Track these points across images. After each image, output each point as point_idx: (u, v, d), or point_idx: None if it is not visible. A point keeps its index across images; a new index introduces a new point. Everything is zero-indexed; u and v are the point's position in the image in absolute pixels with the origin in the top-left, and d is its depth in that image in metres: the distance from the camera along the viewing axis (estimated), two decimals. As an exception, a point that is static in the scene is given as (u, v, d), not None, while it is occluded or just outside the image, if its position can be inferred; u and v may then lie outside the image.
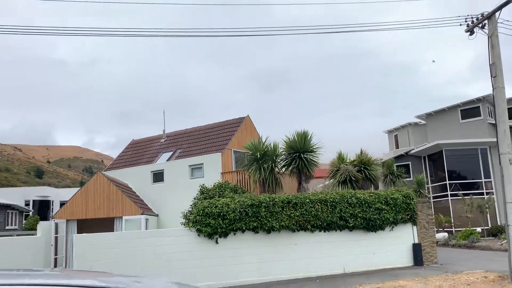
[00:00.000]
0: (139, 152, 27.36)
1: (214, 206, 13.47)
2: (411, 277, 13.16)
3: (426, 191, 29.65)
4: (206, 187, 16.23)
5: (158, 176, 23.89)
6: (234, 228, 13.59)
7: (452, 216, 27.22)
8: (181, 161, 23.28)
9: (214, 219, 13.34)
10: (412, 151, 31.19)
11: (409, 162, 31.53)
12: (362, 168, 18.84)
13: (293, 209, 14.20)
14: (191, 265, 13.18)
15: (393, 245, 15.44)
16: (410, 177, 29.45)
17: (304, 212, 14.29)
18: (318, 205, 14.50)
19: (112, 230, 19.19)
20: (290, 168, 16.89)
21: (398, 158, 32.31)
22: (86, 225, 19.51)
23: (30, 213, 39.84)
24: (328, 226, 14.61)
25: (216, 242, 13.53)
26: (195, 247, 13.36)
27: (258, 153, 16.77)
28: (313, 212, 14.35)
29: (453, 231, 26.14)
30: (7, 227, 30.63)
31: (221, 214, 13.40)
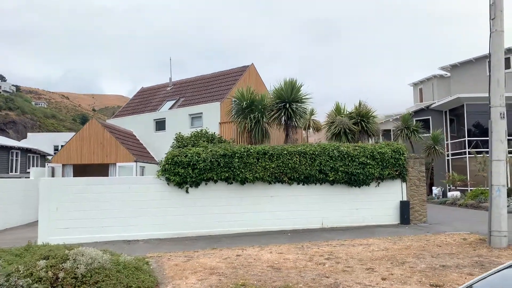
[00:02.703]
0: (146, 99, 27.27)
1: (184, 155, 13.08)
2: (387, 235, 12.52)
3: (445, 148, 28.13)
4: (182, 136, 15.84)
5: (160, 125, 23.80)
6: (205, 178, 13.23)
7: (468, 174, 25.73)
8: (182, 110, 22.97)
9: (183, 168, 13.00)
10: (433, 105, 29.33)
11: (430, 117, 29.76)
12: (359, 120, 17.78)
13: (269, 161, 13.62)
14: (160, 213, 13.04)
15: (379, 202, 14.71)
16: (429, 133, 27.86)
17: (281, 164, 13.69)
18: (296, 157, 13.84)
19: (107, 176, 19.40)
20: (277, 118, 16.11)
21: (418, 112, 30.59)
22: (82, 170, 19.82)
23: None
24: (306, 179, 14.00)
25: (187, 191, 13.26)
26: (165, 196, 13.16)
27: (245, 102, 16.07)
28: (290, 164, 13.73)
29: (468, 190, 24.77)
30: (28, 170, 31.87)
31: (191, 164, 13.02)
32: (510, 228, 10.86)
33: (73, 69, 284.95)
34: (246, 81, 22.90)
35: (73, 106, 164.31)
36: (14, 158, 31.89)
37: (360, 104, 18.35)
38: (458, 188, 24.81)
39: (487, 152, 25.34)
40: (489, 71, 11.51)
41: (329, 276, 7.87)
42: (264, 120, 16.11)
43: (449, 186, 25.57)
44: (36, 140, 43.60)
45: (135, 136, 23.96)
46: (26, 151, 33.52)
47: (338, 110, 18.74)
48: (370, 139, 18.16)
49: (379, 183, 14.67)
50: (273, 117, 15.98)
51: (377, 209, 14.66)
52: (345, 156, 14.17)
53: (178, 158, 13.01)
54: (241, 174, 13.33)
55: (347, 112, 18.63)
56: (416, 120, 29.55)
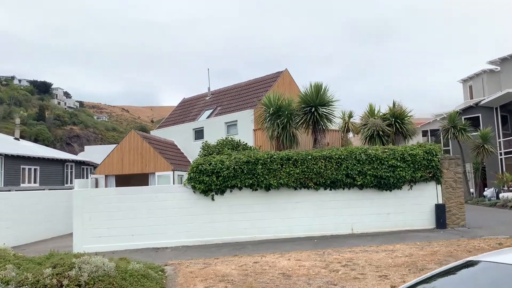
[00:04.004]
0: (186, 110, 28.00)
1: (208, 163, 13.29)
2: (417, 240, 12.00)
3: (497, 146, 26.52)
4: (208, 144, 16.09)
5: (199, 133, 24.33)
6: (229, 186, 13.35)
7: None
8: (218, 118, 23.36)
9: (208, 176, 13.20)
10: (482, 102, 27.72)
11: (479, 115, 28.18)
12: (393, 121, 17.19)
13: (293, 166, 13.51)
14: (186, 220, 13.31)
15: (412, 206, 14.14)
16: (478, 131, 26.37)
17: (306, 169, 13.53)
18: (322, 162, 13.62)
19: (147, 185, 20.10)
20: (304, 123, 15.95)
21: (467, 110, 29.07)
22: (123, 180, 20.66)
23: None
24: (332, 184, 13.73)
25: (212, 199, 13.44)
26: (191, 204, 13.42)
27: (271, 109, 16.07)
28: (315, 169, 13.54)
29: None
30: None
31: (215, 171, 13.20)
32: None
33: (132, 83, 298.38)
34: (280, 87, 22.90)
35: (132, 119, 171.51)
36: (69, 170, 33.90)
37: (394, 104, 17.76)
38: (511, 188, 23.23)
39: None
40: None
41: (337, 283, 7.69)
42: (291, 125, 16.02)
43: (502, 187, 24.01)
44: (92, 152, 45.98)
45: (176, 146, 24.66)
46: (80, 163, 35.53)
47: (371, 112, 18.25)
48: (406, 140, 17.49)
49: (411, 186, 14.10)
50: (300, 122, 15.85)
51: (410, 213, 14.09)
52: (374, 159, 13.76)
53: (202, 166, 13.25)
54: (265, 181, 13.33)
55: (381, 114, 18.10)
56: (464, 119, 28.13)
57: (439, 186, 14.19)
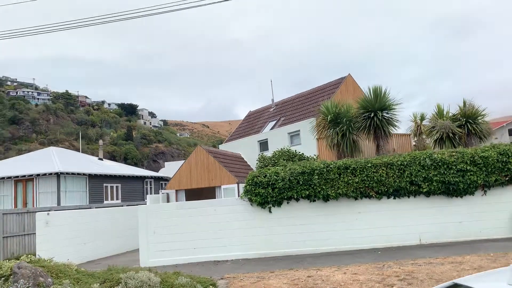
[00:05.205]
0: (252, 122, 28.31)
1: (263, 175, 13.24)
2: (491, 251, 10.91)
3: None
4: (264, 156, 16.01)
5: (263, 145, 24.43)
6: (286, 197, 13.16)
7: None
8: (281, 129, 23.31)
9: (263, 188, 13.14)
10: None
11: None
12: (464, 122, 15.91)
13: (352, 175, 13.00)
14: (244, 233, 13.33)
15: (487, 213, 12.93)
16: None
17: (365, 178, 12.95)
18: (383, 169, 12.96)
19: (214, 198, 20.54)
20: (364, 129, 15.31)
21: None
22: (193, 194, 21.31)
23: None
24: (396, 192, 12.99)
25: (270, 211, 13.34)
26: (249, 216, 13.43)
27: (329, 116, 15.67)
28: (376, 178, 12.91)
29: None
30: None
31: (270, 183, 13.10)
32: None
33: (212, 99, 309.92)
34: (343, 93, 22.33)
35: (212, 133, 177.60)
36: (148, 186, 35.77)
37: (464, 104, 16.43)
38: None
39: None
40: None
41: (387, 300, 7.21)
42: (351, 132, 15.48)
43: None
44: (172, 168, 48.10)
45: (243, 159, 24.99)
46: (158, 179, 37.32)
47: (439, 113, 17.06)
48: (482, 141, 16.08)
49: (485, 191, 12.91)
50: (360, 128, 15.25)
51: (485, 221, 12.88)
52: (440, 164, 12.81)
53: (258, 179, 13.23)
54: (322, 191, 12.96)
55: (451, 114, 16.84)
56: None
57: (518, 191, 12.82)
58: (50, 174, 26.73)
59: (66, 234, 15.22)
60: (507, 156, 12.73)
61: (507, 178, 12.74)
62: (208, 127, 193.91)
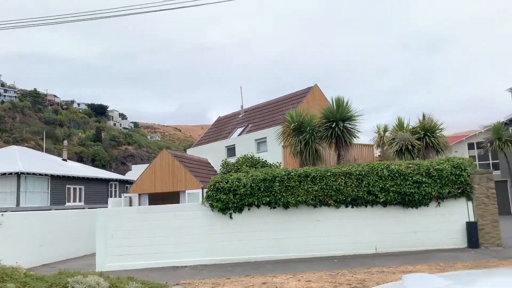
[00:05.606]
0: (221, 128, 28.36)
1: (225, 181, 13.29)
2: (441, 261, 11.29)
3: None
4: (227, 162, 16.11)
5: (231, 151, 24.49)
6: (247, 203, 13.25)
7: None
8: (249, 136, 23.45)
9: (225, 194, 13.18)
10: (532, 111, 25.93)
11: (530, 125, 26.31)
12: (423, 135, 16.44)
13: (312, 183, 13.21)
14: (205, 239, 13.31)
15: (441, 224, 13.36)
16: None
17: (325, 186, 13.19)
18: (342, 178, 13.23)
19: (179, 202, 20.41)
20: (326, 139, 15.59)
21: (516, 120, 27.25)
22: (156, 198, 21.11)
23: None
24: (354, 202, 13.28)
25: (230, 217, 13.38)
26: (209, 222, 13.42)
27: (293, 124, 15.90)
28: (334, 186, 13.16)
29: None
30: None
31: (232, 189, 13.17)
32: None
33: (185, 103, 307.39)
34: (310, 102, 22.66)
35: (184, 137, 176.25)
36: (113, 189, 35.22)
37: (424, 117, 16.99)
38: None
39: None
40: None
41: (334, 307, 7.36)
42: (314, 141, 15.73)
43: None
44: (139, 171, 47.51)
45: (210, 164, 24.96)
46: (124, 182, 36.80)
47: (400, 125, 17.57)
48: (439, 154, 16.62)
49: (439, 203, 13.35)
50: (322, 137, 15.53)
51: (438, 232, 13.31)
52: (397, 175, 13.19)
53: (219, 185, 13.27)
54: (282, 198, 13.12)
55: (411, 127, 17.37)
56: (512, 130, 26.40)
57: (470, 203, 13.33)
58: (10, 173, 25.98)
59: (22, 237, 14.81)
60: (460, 169, 13.22)
61: (459, 191, 13.22)
62: (180, 131, 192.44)
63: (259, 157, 16.43)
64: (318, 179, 13.20)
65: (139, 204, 21.10)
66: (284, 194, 13.11)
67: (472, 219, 13.26)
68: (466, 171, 13.20)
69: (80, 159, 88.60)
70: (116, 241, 13.27)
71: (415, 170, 13.21)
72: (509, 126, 26.97)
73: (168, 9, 14.75)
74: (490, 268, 9.41)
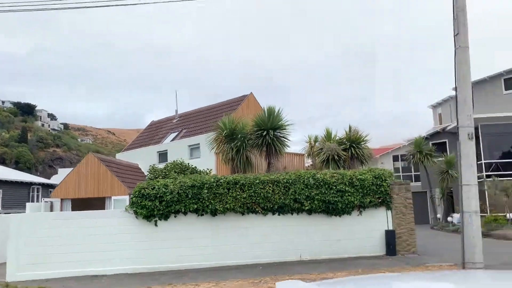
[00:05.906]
0: (153, 132, 27.76)
1: (152, 187, 12.95)
2: (360, 268, 11.72)
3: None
4: (155, 168, 15.79)
5: (163, 156, 24.03)
6: (173, 211, 12.99)
7: (487, 199, 23.98)
8: (182, 141, 23.15)
9: (150, 201, 12.83)
10: (448, 128, 27.93)
11: (446, 140, 28.34)
12: (349, 146, 17.13)
13: (240, 191, 13.23)
14: (128, 247, 12.85)
15: (362, 232, 13.88)
16: (443, 157, 26.44)
17: (253, 193, 13.26)
18: (270, 186, 13.38)
19: (104, 209, 19.59)
20: (257, 147, 15.78)
21: (434, 135, 29.31)
22: (80, 204, 20.13)
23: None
24: (280, 209, 13.47)
25: (155, 224, 13.04)
26: (134, 230, 12.99)
27: (225, 132, 15.91)
28: (262, 194, 13.28)
29: (487, 215, 23.02)
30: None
31: (158, 196, 12.86)
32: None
33: (121, 106, 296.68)
34: (244, 110, 22.84)
35: (118, 141, 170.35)
36: (35, 193, 33.15)
37: (350, 129, 17.73)
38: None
39: (508, 176, 23.74)
40: (456, 90, 10.77)
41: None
42: (245, 148, 15.84)
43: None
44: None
45: (140, 169, 24.27)
46: (48, 186, 34.76)
47: (328, 136, 18.20)
48: (363, 165, 17.39)
49: (361, 211, 13.89)
50: (254, 145, 15.69)
51: (360, 240, 13.83)
52: (322, 183, 13.57)
53: (145, 191, 12.90)
54: (210, 205, 13.00)
55: (338, 138, 18.05)
56: (432, 144, 28.25)
57: (389, 212, 14.00)
58: None
59: None
60: (381, 180, 13.87)
61: (380, 200, 13.85)
62: (114, 134, 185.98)
63: (188, 164, 16.22)
64: (247, 186, 13.25)
65: (61, 210, 19.96)
66: (212, 201, 13.01)
67: (390, 227, 13.93)
68: (386, 181, 13.87)
69: (2, 161, 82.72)
70: (29, 249, 12.45)
71: (339, 180, 13.66)
72: (430, 141, 28.79)
73: (104, 5, 14.18)
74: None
